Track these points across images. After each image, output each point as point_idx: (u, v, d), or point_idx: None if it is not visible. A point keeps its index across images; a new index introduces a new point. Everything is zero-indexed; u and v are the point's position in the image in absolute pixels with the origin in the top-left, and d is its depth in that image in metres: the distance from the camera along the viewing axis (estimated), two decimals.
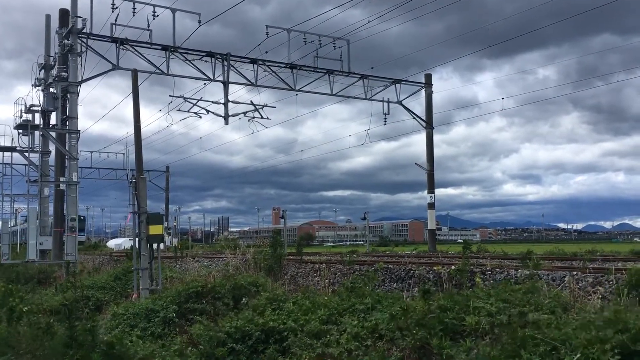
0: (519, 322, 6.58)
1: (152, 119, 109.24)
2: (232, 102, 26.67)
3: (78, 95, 23.83)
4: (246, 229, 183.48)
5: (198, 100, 27.88)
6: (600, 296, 7.97)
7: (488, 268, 11.48)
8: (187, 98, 27.69)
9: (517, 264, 11.16)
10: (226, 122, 26.01)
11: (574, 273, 9.51)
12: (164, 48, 24.32)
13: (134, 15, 23.30)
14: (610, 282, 8.39)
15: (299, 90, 27.67)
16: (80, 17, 23.24)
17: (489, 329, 7.08)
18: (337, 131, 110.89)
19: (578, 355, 4.77)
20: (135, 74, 18.85)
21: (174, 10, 23.90)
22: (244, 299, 12.05)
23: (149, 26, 23.57)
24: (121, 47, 23.49)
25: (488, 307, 7.62)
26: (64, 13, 25.35)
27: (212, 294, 12.44)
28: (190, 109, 28.10)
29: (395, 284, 12.73)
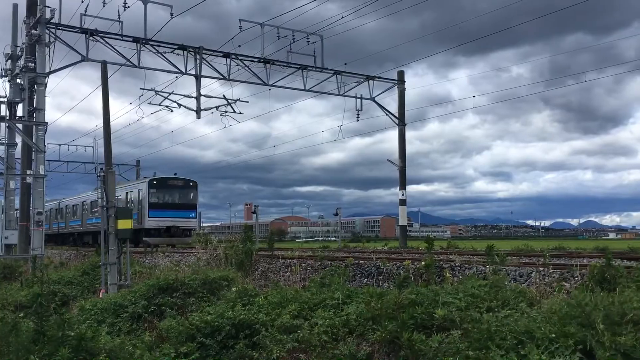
0: (487, 317, 6.69)
1: (123, 111, 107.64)
2: (204, 96, 26.47)
3: (46, 87, 23.35)
4: (218, 224, 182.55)
5: (170, 94, 27.61)
6: (565, 291, 8.14)
7: (457, 264, 11.63)
8: (159, 91, 27.40)
9: (484, 260, 11.33)
10: (198, 116, 25.79)
11: (540, 269, 9.71)
12: (135, 40, 23.97)
13: (104, 6, 22.93)
14: (575, 278, 8.59)
15: (272, 85, 27.57)
16: (48, 7, 22.76)
17: (458, 323, 7.19)
18: (311, 126, 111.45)
19: (542, 349, 4.87)
20: (104, 66, 18.56)
21: (145, 2, 23.55)
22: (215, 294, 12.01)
23: (119, 17, 23.22)
24: (91, 38, 23.09)
25: (457, 302, 7.74)
26: (32, 2, 24.75)
27: (182, 289, 12.36)
28: (161, 102, 27.82)
29: (366, 279, 12.82)
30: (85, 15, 22.91)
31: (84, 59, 22.79)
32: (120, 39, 23.65)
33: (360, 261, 13.82)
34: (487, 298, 7.72)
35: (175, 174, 35.60)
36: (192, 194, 34.59)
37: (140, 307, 11.63)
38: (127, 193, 35.38)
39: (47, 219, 51.39)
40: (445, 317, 7.36)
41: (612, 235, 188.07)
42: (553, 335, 4.89)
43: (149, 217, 32.44)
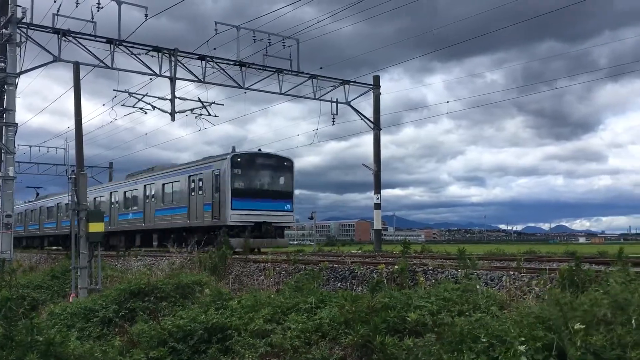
0: (460, 320, 6.75)
1: (96, 113, 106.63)
2: (179, 98, 26.22)
3: (16, 87, 22.91)
4: None
5: (144, 96, 27.30)
6: (535, 295, 8.26)
7: (430, 268, 11.72)
8: (132, 93, 27.07)
9: (457, 264, 11.44)
10: (173, 119, 25.56)
11: (511, 273, 9.83)
12: (109, 41, 23.68)
13: (77, 6, 22.61)
14: (545, 281, 8.71)
15: (247, 89, 27.49)
16: (20, 6, 22.34)
17: (430, 326, 7.24)
18: (287, 130, 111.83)
19: (512, 352, 4.94)
20: (77, 67, 18.31)
21: (119, 3, 23.32)
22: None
23: (92, 18, 22.93)
24: (63, 38, 22.73)
25: (429, 306, 7.80)
26: (3, 1, 24.29)
27: (154, 293, 12.23)
28: (135, 104, 27.48)
29: (340, 283, 12.83)
30: (57, 15, 22.58)
31: (56, 59, 22.43)
32: (93, 40, 23.34)
33: (335, 265, 13.83)
34: (459, 302, 7.79)
35: (259, 150, 26.70)
36: (288, 178, 25.73)
37: (111, 312, 11.49)
38: (190, 176, 26.30)
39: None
40: (418, 321, 7.41)
41: (582, 240, 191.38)
42: (523, 338, 4.96)
43: (232, 209, 23.10)
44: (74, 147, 17.05)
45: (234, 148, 25.77)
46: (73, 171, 16.40)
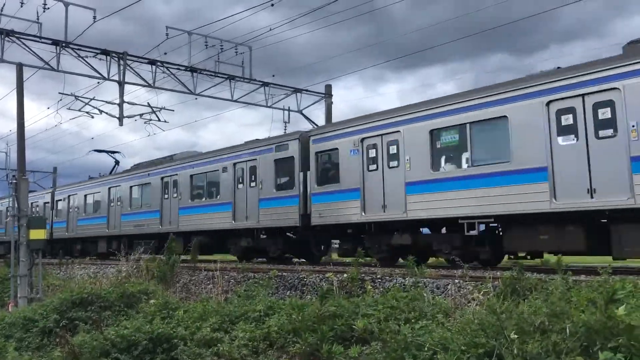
0: (405, 328, 6.84)
1: (40, 115, 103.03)
2: (127, 103, 25.65)
3: None
4: None
5: (91, 100, 26.62)
6: (479, 303, 8.45)
7: (379, 276, 11.83)
8: (79, 96, 26.37)
9: (405, 272, 11.59)
10: (121, 124, 25.00)
11: (456, 281, 10.04)
12: (55, 43, 22.98)
13: (21, 6, 21.92)
14: (488, 289, 8.93)
15: (198, 95, 27.20)
16: None
17: (377, 334, 7.32)
18: (240, 136, 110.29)
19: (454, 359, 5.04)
20: (20, 68, 17.75)
21: (66, 4, 22.71)
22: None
23: (38, 19, 22.27)
24: (7, 38, 21.96)
25: (376, 314, 7.89)
26: None
27: (98, 302, 11.92)
28: (82, 108, 26.75)
29: (289, 291, 12.81)
30: (1, 14, 21.84)
31: None
32: (38, 41, 22.64)
33: (284, 273, 13.80)
34: (406, 309, 7.91)
35: None
36: None
37: (52, 322, 11.13)
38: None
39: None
40: (365, 329, 7.48)
41: None
42: (464, 347, 5.07)
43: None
44: (16, 150, 16.46)
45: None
46: (14, 176, 15.83)
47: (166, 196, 24.22)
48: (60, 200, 33.50)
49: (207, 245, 20.82)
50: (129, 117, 26.07)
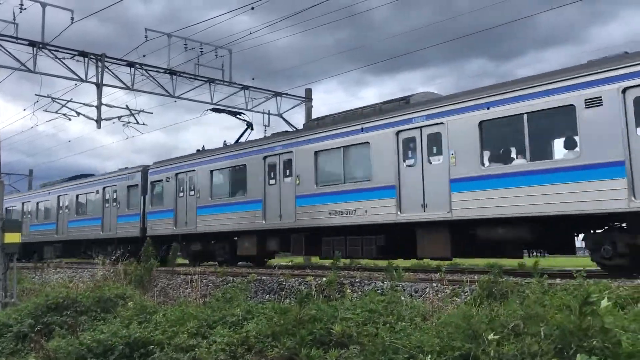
0: (383, 332, 6.87)
1: (17, 117, 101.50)
2: (105, 105, 25.43)
3: None
4: None
5: (68, 102, 26.37)
6: (456, 306, 8.52)
7: (357, 279, 11.87)
8: (56, 98, 26.10)
9: (384, 275, 11.65)
10: (98, 126, 24.75)
11: (434, 284, 10.11)
12: (31, 44, 22.69)
13: None
14: (466, 293, 9.02)
15: (178, 97, 27.03)
16: None
17: (355, 338, 7.33)
18: (220, 139, 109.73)
19: None
20: None
21: (43, 5, 22.45)
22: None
23: (14, 19, 21.99)
24: None
25: (355, 317, 7.90)
26: None
27: (74, 306, 11.75)
28: (59, 109, 26.51)
29: (268, 295, 12.78)
30: None
31: None
32: (14, 42, 22.35)
33: (263, 277, 13.77)
34: (384, 313, 7.93)
35: None
36: None
37: (27, 326, 10.95)
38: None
39: None
40: (344, 333, 7.49)
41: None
42: (439, 348, 5.11)
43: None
44: None
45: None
46: None
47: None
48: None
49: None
50: (107, 119, 25.86)
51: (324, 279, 11.59)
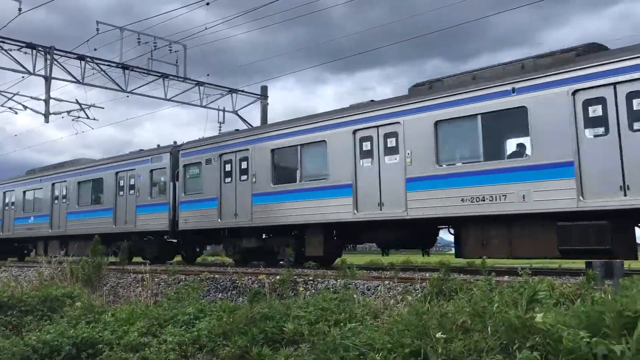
0: (334, 330, 6.92)
1: None
2: (54, 99, 24.70)
3: None
4: None
5: (14, 95, 25.52)
6: (407, 304, 8.65)
7: (311, 278, 11.89)
8: (2, 91, 25.25)
9: (337, 274, 11.71)
10: (46, 120, 24.03)
11: (386, 282, 10.23)
12: None
13: None
14: (417, 291, 9.16)
15: (130, 92, 26.48)
16: None
17: (306, 336, 7.36)
18: (175, 135, 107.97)
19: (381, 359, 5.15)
20: None
21: None
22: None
23: None
24: None
25: (307, 316, 7.93)
26: None
27: (18, 306, 11.40)
28: (4, 103, 25.62)
29: (221, 294, 12.67)
30: None
31: None
32: None
33: (216, 275, 13.64)
34: (337, 311, 7.99)
35: None
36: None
37: None
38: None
39: None
40: (295, 331, 7.51)
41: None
42: (389, 345, 5.19)
43: None
44: None
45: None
46: None
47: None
48: None
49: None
50: (55, 113, 25.15)
51: (277, 277, 11.57)
